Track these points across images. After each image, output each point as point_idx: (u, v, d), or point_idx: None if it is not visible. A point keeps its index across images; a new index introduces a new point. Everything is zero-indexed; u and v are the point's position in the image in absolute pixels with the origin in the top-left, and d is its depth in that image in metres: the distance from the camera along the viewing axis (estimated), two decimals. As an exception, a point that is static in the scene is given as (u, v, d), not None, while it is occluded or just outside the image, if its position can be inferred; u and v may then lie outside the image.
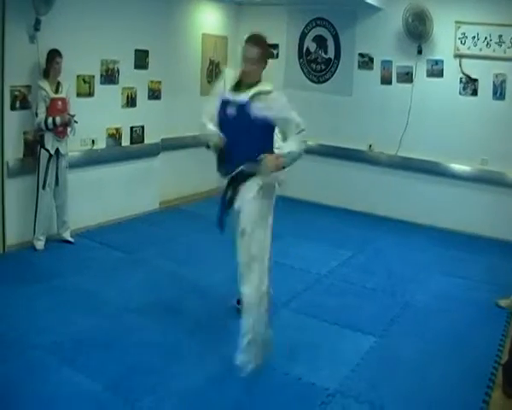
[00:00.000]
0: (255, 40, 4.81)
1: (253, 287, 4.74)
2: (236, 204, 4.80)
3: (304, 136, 4.79)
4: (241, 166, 4.68)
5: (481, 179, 9.26)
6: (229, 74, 5.08)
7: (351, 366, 5.13)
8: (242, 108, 4.69)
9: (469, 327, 6.11)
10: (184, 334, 5.53)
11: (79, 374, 4.72)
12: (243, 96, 4.71)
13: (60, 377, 4.68)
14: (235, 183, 4.79)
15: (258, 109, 4.66)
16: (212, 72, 10.77)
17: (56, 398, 4.40)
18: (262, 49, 4.82)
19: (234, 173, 4.74)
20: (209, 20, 10.78)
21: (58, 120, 7.26)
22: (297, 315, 6.07)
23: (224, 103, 4.80)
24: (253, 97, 4.69)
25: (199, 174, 10.08)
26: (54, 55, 7.28)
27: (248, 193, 4.74)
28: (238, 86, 4.83)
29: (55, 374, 4.71)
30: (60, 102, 7.37)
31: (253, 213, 4.74)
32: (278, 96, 4.85)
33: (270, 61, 10.47)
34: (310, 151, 10.44)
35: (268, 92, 4.77)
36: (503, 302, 6.65)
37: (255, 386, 4.75)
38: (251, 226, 4.72)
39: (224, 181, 4.85)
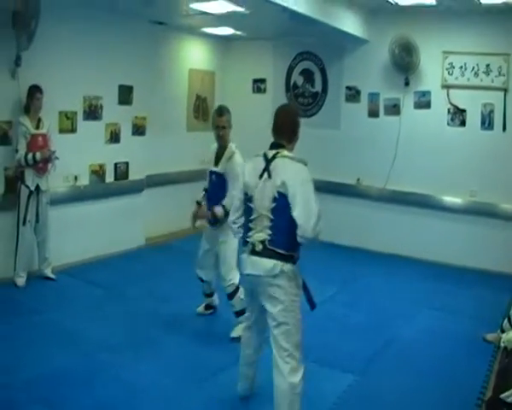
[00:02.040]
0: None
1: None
2: None
3: None
4: None
5: (471, 211, 9.16)
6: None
7: (328, 406, 4.98)
8: None
9: (454, 362, 5.96)
10: (159, 373, 5.41)
11: (50, 413, 4.62)
12: None
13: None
14: None
15: None
16: (199, 107, 10.73)
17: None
18: None
19: None
20: (196, 56, 10.79)
21: (38, 155, 7.21)
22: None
23: None
24: None
25: (184, 210, 9.94)
26: (34, 90, 7.27)
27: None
28: None
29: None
30: (40, 138, 7.35)
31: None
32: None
33: (257, 95, 10.59)
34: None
35: None
36: (490, 337, 6.49)
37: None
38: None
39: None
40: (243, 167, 4.81)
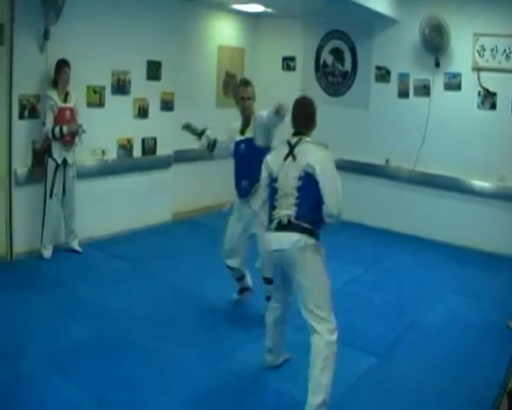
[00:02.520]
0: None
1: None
2: None
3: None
4: None
5: (499, 196, 9.03)
6: None
7: (346, 386, 4.97)
8: None
9: (477, 349, 5.90)
10: (179, 348, 5.47)
11: (69, 383, 4.71)
12: None
13: (49, 385, 4.68)
14: None
15: None
16: (229, 84, 10.69)
17: (41, 406, 4.38)
18: None
19: None
20: (226, 32, 10.74)
21: (65, 129, 7.25)
22: (299, 332, 5.88)
23: None
24: None
25: (212, 186, 10.02)
26: (62, 64, 7.31)
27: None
28: None
29: (45, 382, 4.71)
30: (68, 112, 7.38)
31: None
32: None
33: (286, 73, 10.52)
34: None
35: None
36: (514, 324, 6.46)
37: (247, 404, 4.66)
38: None
39: None
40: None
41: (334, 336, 4.47)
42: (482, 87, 9.07)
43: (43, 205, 7.45)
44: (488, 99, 9.05)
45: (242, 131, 6.05)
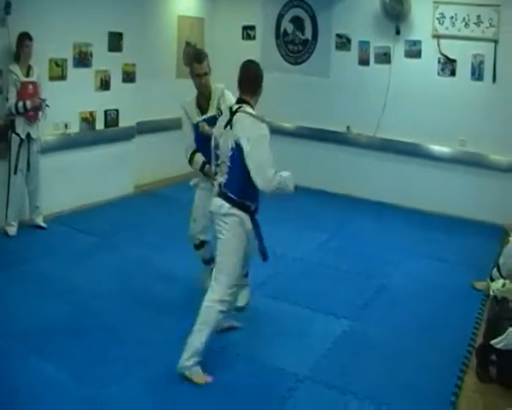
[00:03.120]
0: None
1: None
2: None
3: None
4: None
5: (460, 161, 9.22)
6: None
7: (322, 351, 5.09)
8: None
9: (445, 310, 6.08)
10: (151, 320, 5.48)
11: (46, 362, 4.69)
12: None
13: (26, 365, 4.65)
14: None
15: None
16: (189, 53, 10.62)
17: (21, 386, 4.35)
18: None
19: None
20: (185, 2, 10.64)
21: (29, 103, 7.14)
22: (268, 299, 6.00)
23: None
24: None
25: (174, 157, 9.88)
26: (23, 38, 7.17)
27: None
28: None
29: (22, 362, 4.67)
30: (31, 86, 7.27)
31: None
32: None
33: (246, 42, 10.50)
34: (287, 133, 10.45)
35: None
36: (479, 284, 6.62)
37: (219, 372, 4.68)
38: None
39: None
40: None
41: (219, 307, 4.53)
42: (442, 54, 9.20)
43: (8, 181, 7.34)
44: (448, 66, 9.19)
45: (203, 110, 5.64)
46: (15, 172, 7.32)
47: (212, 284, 4.62)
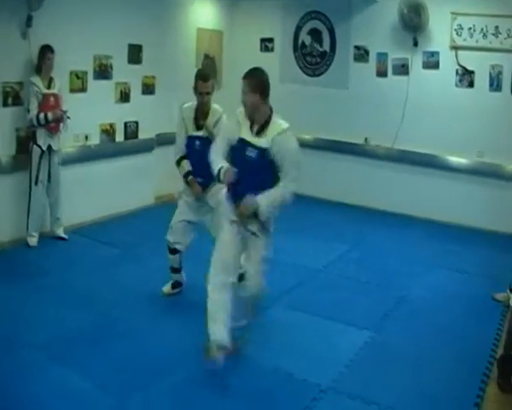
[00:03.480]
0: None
1: None
2: None
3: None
4: None
5: (478, 172, 9.21)
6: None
7: (344, 362, 5.09)
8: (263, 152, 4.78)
9: (465, 321, 6.07)
10: (175, 330, 5.51)
11: (69, 371, 4.71)
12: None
13: (49, 374, 4.66)
14: None
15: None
16: (208, 66, 10.70)
17: (45, 396, 4.36)
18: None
19: None
20: (204, 15, 10.70)
21: (50, 115, 7.21)
22: (290, 311, 6.02)
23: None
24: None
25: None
26: (45, 50, 7.25)
27: None
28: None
29: (45, 372, 4.69)
30: (52, 98, 7.33)
31: None
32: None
33: (264, 54, 10.56)
34: (305, 145, 10.42)
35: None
36: (499, 296, 6.60)
37: (244, 382, 4.71)
38: None
39: None
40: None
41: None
42: (460, 65, 9.20)
43: (29, 192, 7.40)
44: (466, 77, 9.20)
45: (198, 126, 5.89)
46: (36, 184, 7.38)
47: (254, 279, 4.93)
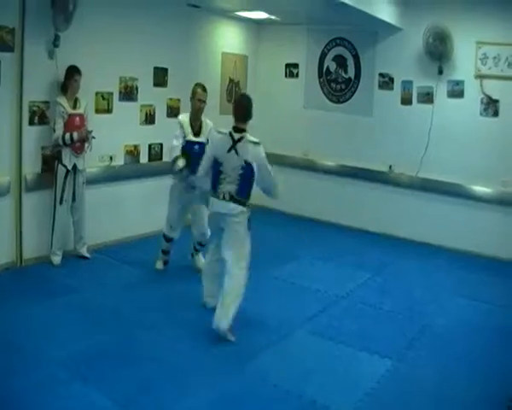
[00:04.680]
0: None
1: None
2: None
3: None
4: None
5: (502, 202, 9.11)
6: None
7: (366, 390, 5.04)
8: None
9: (489, 353, 5.97)
10: (198, 352, 5.50)
11: (90, 389, 4.73)
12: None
13: (71, 391, 4.69)
14: None
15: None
16: (232, 91, 10.75)
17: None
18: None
19: None
20: (229, 39, 10.78)
21: (75, 135, 7.27)
22: (312, 337, 5.99)
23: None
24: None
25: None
26: (72, 72, 7.31)
27: None
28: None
29: (67, 388, 4.72)
30: (77, 118, 7.39)
31: None
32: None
33: (289, 80, 10.63)
34: (330, 172, 10.50)
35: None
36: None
37: (268, 408, 4.70)
38: None
39: None
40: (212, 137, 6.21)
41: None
42: (485, 94, 9.16)
43: (53, 211, 7.45)
44: (491, 106, 9.14)
45: (196, 133, 7.16)
46: (61, 203, 7.43)
47: (234, 270, 5.79)
